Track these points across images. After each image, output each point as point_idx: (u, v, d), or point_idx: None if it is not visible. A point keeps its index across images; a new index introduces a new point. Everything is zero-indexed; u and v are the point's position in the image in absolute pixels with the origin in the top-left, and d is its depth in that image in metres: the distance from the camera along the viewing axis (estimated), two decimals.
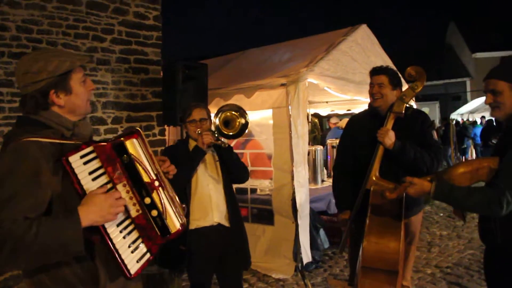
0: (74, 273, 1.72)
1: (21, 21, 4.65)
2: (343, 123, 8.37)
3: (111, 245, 1.69)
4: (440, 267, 5.38)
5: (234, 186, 5.72)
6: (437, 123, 21.14)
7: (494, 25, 29.47)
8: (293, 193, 4.96)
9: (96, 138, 1.96)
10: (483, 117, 16.67)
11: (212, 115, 3.46)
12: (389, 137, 3.06)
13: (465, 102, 26.70)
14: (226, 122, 3.44)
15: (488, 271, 2.53)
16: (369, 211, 2.82)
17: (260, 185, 5.86)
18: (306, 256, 5.10)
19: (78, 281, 1.72)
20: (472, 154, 17.70)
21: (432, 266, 5.41)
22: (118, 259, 1.70)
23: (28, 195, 1.59)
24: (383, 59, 6.62)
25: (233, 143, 5.10)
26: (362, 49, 6.21)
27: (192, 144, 3.35)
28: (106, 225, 1.69)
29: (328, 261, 5.67)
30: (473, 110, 20.19)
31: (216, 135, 3.24)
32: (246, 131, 3.51)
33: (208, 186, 3.26)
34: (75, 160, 1.68)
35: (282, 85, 5.06)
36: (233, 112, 3.46)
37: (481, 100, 21.19)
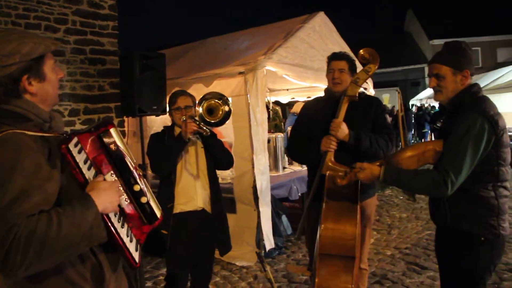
0: (78, 273, 1.58)
1: None
2: (297, 107, 8.42)
3: (117, 235, 1.62)
4: (399, 248, 5.54)
5: None
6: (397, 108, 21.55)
7: (449, 13, 30.25)
8: (254, 180, 4.99)
9: None
10: None
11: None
12: (342, 130, 3.06)
13: (424, 87, 27.34)
14: (210, 110, 3.46)
15: (439, 249, 2.64)
16: (324, 197, 2.82)
17: (221, 173, 5.85)
18: (269, 242, 5.15)
19: (83, 280, 1.59)
20: (432, 138, 18.20)
21: (391, 248, 5.56)
22: (125, 249, 1.64)
23: (37, 189, 1.43)
24: (341, 46, 6.68)
25: None
26: (320, 36, 6.26)
27: (177, 131, 3.39)
28: (110, 215, 1.63)
29: (291, 247, 5.75)
30: (431, 95, 20.68)
31: (198, 122, 3.27)
32: (230, 118, 3.56)
33: (193, 172, 3.34)
34: (72, 148, 1.58)
35: (241, 73, 5.06)
36: (216, 100, 3.49)
37: None
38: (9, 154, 1.44)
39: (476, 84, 2.48)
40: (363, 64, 3.14)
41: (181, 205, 3.29)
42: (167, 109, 3.55)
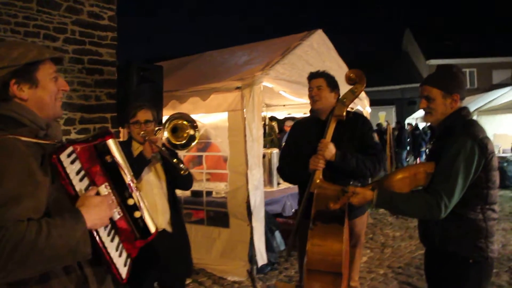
0: (62, 284, 1.55)
1: None
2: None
3: (105, 250, 1.60)
4: (392, 267, 5.51)
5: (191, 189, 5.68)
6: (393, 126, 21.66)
7: (447, 34, 30.59)
8: (248, 195, 4.97)
9: None
10: None
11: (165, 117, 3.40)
12: (329, 150, 3.07)
13: (419, 107, 27.51)
14: (174, 129, 3.37)
15: (428, 270, 2.64)
16: (312, 214, 2.82)
17: (215, 187, 5.85)
18: (261, 258, 5.11)
19: None
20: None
21: (384, 267, 5.53)
22: (111, 263, 1.62)
23: (29, 195, 1.42)
24: (339, 64, 6.74)
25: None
26: (318, 53, 6.29)
27: (135, 146, 3.25)
28: (99, 229, 1.61)
29: (283, 263, 5.70)
30: None
31: (164, 149, 3.14)
32: (193, 144, 3.44)
33: (152, 191, 3.18)
34: (64, 159, 1.55)
35: (237, 88, 5.06)
36: (185, 122, 3.39)
37: None
38: (0, 159, 1.42)
39: (465, 108, 2.50)
40: (350, 85, 3.15)
41: None
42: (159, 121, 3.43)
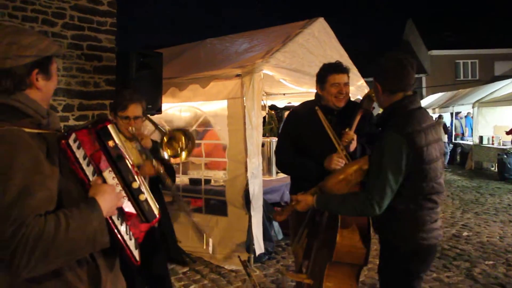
0: (78, 277, 1.57)
1: None
2: None
3: (119, 234, 1.63)
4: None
5: (188, 176, 5.67)
6: None
7: (449, 25, 30.39)
8: (247, 184, 4.96)
9: None
10: (440, 116, 16.72)
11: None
12: (355, 143, 3.00)
13: (421, 97, 27.45)
14: (170, 139, 3.41)
15: None
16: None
17: (214, 176, 5.84)
18: (259, 247, 5.11)
19: (80, 282, 1.58)
20: None
21: None
22: (126, 247, 1.65)
23: (40, 186, 1.42)
24: (340, 53, 6.69)
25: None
26: (319, 42, 6.25)
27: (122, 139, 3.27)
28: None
29: (281, 252, 5.71)
30: (428, 105, 20.74)
31: (164, 164, 3.15)
32: (183, 155, 3.49)
33: None
34: (72, 144, 1.58)
35: (237, 76, 5.02)
36: (182, 136, 3.43)
37: (436, 96, 21.78)
38: (5, 151, 1.41)
39: (408, 97, 2.40)
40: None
41: None
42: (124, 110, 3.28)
